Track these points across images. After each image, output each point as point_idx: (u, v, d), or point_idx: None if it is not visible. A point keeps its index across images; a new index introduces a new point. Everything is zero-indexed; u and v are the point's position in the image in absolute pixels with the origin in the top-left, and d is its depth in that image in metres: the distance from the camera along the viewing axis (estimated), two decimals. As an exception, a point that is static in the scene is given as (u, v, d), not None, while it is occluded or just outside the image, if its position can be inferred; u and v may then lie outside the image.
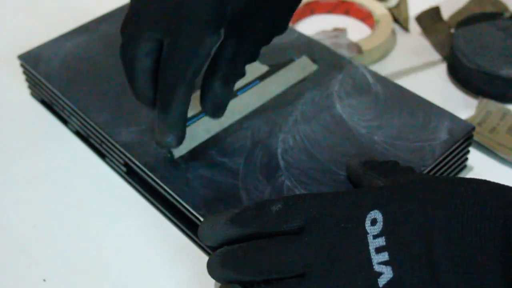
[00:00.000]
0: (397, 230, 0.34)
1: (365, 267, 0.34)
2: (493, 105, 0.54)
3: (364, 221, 0.35)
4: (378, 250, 0.34)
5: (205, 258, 0.44)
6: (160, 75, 0.40)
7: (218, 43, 0.40)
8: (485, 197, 0.33)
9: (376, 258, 0.34)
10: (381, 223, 0.34)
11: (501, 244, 0.31)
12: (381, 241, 0.34)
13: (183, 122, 0.42)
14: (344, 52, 0.57)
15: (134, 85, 0.42)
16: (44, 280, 0.43)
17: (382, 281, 0.33)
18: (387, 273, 0.33)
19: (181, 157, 0.45)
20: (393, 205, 0.35)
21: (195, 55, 0.39)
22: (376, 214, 0.35)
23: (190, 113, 0.44)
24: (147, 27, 0.40)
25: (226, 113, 0.47)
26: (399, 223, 0.34)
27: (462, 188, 0.34)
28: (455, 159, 0.47)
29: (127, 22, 0.41)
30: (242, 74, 0.44)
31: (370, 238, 0.34)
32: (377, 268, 0.33)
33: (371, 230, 0.34)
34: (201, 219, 0.42)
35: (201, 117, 0.47)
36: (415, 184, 0.35)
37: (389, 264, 0.33)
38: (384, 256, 0.33)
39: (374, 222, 0.34)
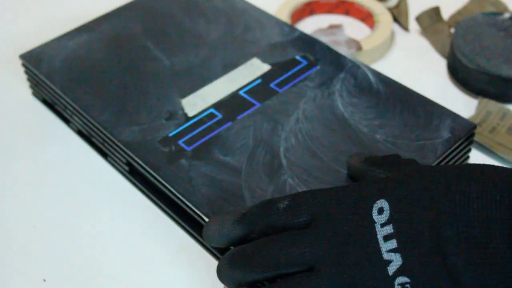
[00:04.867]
0: (404, 217, 0.34)
1: (374, 256, 0.34)
2: (493, 105, 0.54)
3: (371, 210, 0.35)
4: (386, 238, 0.34)
5: (208, 257, 0.44)
6: None
7: None
8: (490, 178, 0.33)
9: (385, 246, 0.34)
10: (388, 212, 0.34)
11: (508, 223, 0.31)
12: (388, 229, 0.34)
13: None
14: (344, 49, 0.58)
15: None
16: (44, 280, 0.43)
17: (391, 269, 0.33)
18: (396, 260, 0.33)
19: (185, 155, 0.45)
20: (399, 193, 0.35)
21: None
22: (382, 203, 0.35)
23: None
24: None
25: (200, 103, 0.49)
26: (405, 210, 0.34)
27: (466, 172, 0.34)
28: (457, 157, 0.47)
29: None
30: None
31: (377, 227, 0.34)
32: (386, 256, 0.34)
33: (378, 219, 0.34)
34: (204, 218, 0.42)
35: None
36: (419, 172, 0.36)
37: (398, 251, 0.33)
38: (393, 244, 0.34)
39: (381, 211, 0.35)
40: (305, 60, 0.52)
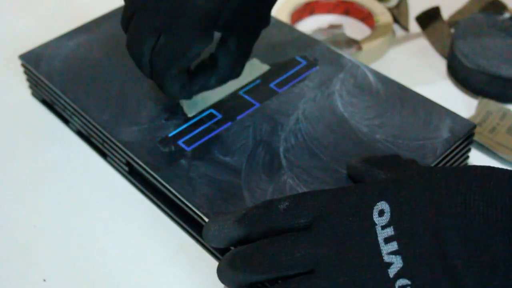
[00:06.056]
0: (404, 219, 0.34)
1: (374, 258, 0.34)
2: (493, 105, 0.54)
3: (372, 212, 0.35)
4: (387, 240, 0.34)
5: (208, 257, 0.44)
6: (153, 63, 0.44)
7: (207, 46, 0.43)
8: (490, 180, 0.33)
9: (385, 249, 0.34)
10: (389, 214, 0.34)
11: (509, 225, 0.31)
12: (389, 231, 0.34)
13: (182, 94, 0.47)
14: (344, 49, 0.58)
15: (142, 71, 0.46)
16: (44, 280, 0.43)
17: (392, 271, 0.33)
18: (397, 263, 0.33)
19: (185, 155, 0.45)
20: (400, 195, 0.35)
21: (182, 56, 0.43)
22: (383, 205, 0.35)
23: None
24: (146, 28, 0.43)
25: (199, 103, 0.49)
26: (406, 212, 0.34)
27: (467, 174, 0.34)
28: (457, 157, 0.47)
29: (126, 21, 0.45)
30: (238, 75, 0.49)
31: (378, 229, 0.34)
32: (386, 258, 0.34)
33: (379, 221, 0.34)
34: (204, 218, 0.42)
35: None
36: (420, 173, 0.35)
37: (399, 253, 0.33)
38: (393, 246, 0.33)
39: (381, 213, 0.34)
40: (305, 60, 0.52)
